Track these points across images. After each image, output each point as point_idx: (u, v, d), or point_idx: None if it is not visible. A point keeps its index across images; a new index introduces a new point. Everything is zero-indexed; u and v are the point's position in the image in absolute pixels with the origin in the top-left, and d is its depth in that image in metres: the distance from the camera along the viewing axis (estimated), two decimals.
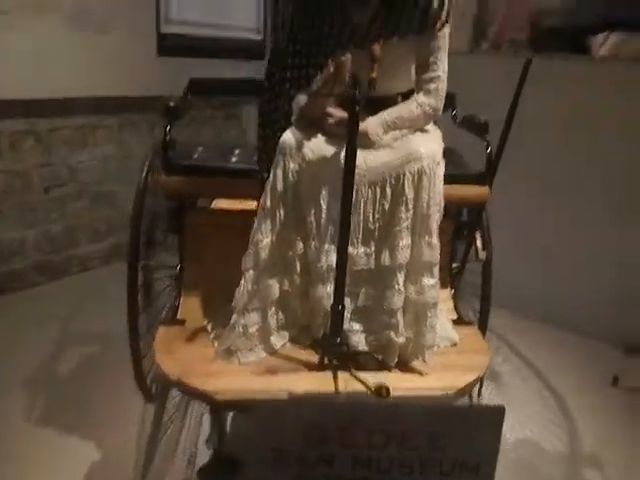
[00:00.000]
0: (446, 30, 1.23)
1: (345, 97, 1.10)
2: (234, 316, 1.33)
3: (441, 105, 1.29)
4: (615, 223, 2.44)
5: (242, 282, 1.32)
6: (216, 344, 1.36)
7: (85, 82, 2.78)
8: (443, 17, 1.20)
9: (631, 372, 2.21)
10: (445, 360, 1.30)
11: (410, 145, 1.21)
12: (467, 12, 2.82)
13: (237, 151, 1.60)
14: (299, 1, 1.30)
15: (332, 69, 1.16)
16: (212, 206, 1.74)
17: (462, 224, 1.60)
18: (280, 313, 1.35)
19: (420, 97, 1.26)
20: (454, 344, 1.39)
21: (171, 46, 3.12)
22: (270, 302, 1.32)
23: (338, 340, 1.21)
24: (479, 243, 1.54)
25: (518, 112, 1.42)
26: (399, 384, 1.21)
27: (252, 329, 1.31)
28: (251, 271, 1.31)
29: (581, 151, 2.48)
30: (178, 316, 1.49)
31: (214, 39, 3.30)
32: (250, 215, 1.34)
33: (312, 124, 1.30)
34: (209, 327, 1.44)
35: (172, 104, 1.46)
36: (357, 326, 1.30)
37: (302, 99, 1.30)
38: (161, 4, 3.01)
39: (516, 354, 2.42)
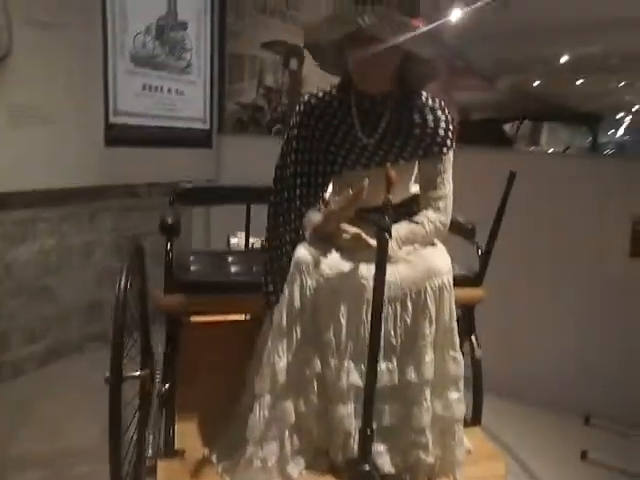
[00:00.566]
0: (451, 153, 1.32)
1: (377, 224, 1.12)
2: (250, 448, 1.24)
3: (449, 220, 1.35)
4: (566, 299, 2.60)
5: (257, 408, 1.25)
6: (227, 479, 1.25)
7: (26, 175, 2.62)
8: (449, 143, 1.29)
9: (597, 445, 2.31)
10: (467, 474, 1.28)
11: (428, 260, 1.25)
12: None
13: (230, 259, 1.56)
14: (306, 122, 1.34)
15: (352, 193, 1.19)
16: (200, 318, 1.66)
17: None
18: (295, 437, 1.28)
19: (430, 214, 1.32)
20: (468, 451, 1.38)
21: (118, 136, 3.06)
22: (288, 428, 1.25)
23: (367, 467, 1.16)
24: (474, 341, 1.59)
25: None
26: None
27: (271, 461, 1.23)
28: (267, 395, 1.25)
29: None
30: (176, 446, 1.36)
31: (162, 128, 3.30)
32: (244, 325, 1.30)
33: (324, 240, 1.30)
34: (214, 458, 1.33)
35: (170, 221, 1.40)
36: (382, 447, 1.26)
37: (315, 217, 1.31)
38: (109, 95, 2.98)
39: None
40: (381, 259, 1.10)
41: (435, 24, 1.21)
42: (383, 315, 1.25)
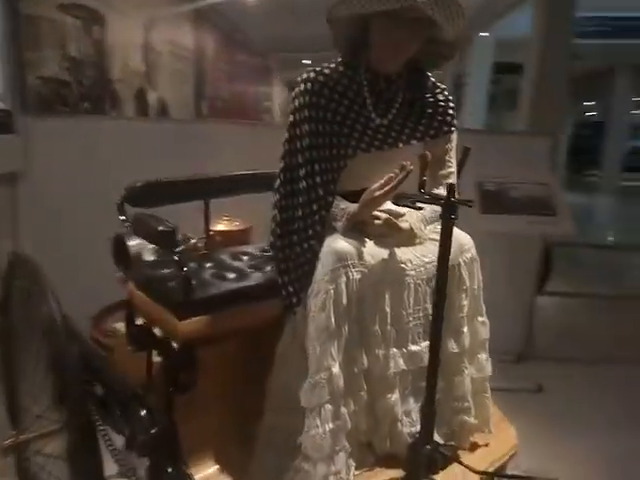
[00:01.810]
0: (456, 132, 1.36)
1: (444, 205, 1.10)
2: (320, 468, 1.12)
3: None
4: None
5: (317, 422, 1.13)
6: None
7: None
8: (455, 122, 1.34)
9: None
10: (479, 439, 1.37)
11: (457, 237, 1.29)
12: None
13: (203, 262, 1.32)
14: (315, 102, 1.22)
15: (398, 176, 1.14)
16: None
17: None
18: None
19: (442, 191, 1.35)
20: None
21: None
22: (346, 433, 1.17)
23: (429, 447, 1.18)
24: None
25: None
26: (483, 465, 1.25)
27: (344, 474, 1.14)
28: (328, 405, 1.14)
29: None
30: None
31: None
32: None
33: (353, 229, 1.23)
34: None
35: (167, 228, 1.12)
36: None
37: (350, 205, 1.22)
38: None
39: None
40: (446, 238, 1.10)
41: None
42: (421, 295, 1.26)
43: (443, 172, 1.36)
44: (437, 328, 1.15)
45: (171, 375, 1.18)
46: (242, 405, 1.33)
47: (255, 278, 1.35)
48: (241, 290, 1.28)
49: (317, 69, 1.25)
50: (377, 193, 1.17)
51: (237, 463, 1.27)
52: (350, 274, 1.15)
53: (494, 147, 2.84)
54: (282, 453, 1.22)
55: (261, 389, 1.28)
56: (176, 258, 1.16)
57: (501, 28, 9.98)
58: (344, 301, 1.15)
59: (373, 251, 1.21)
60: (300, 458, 1.18)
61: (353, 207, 1.22)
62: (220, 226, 1.83)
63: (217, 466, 1.27)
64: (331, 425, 1.13)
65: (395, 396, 1.23)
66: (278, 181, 1.27)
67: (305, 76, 1.24)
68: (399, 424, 1.25)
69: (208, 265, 1.38)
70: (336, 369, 1.14)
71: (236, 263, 1.43)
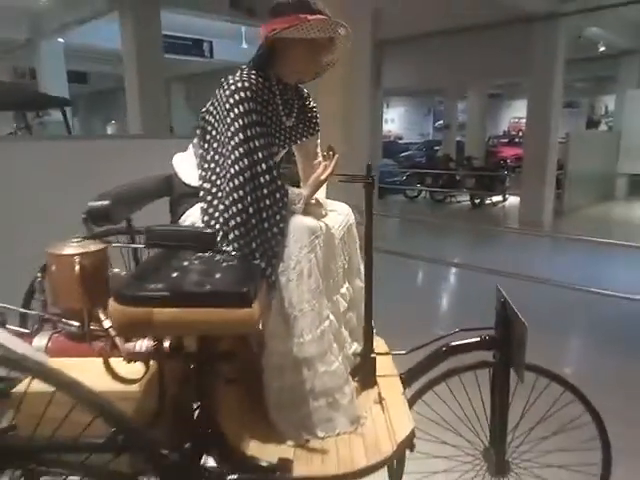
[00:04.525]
0: None
1: (366, 183, 1.55)
2: (346, 390, 1.44)
3: None
4: None
5: (331, 359, 1.45)
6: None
7: None
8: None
9: None
10: None
11: (341, 207, 1.73)
12: None
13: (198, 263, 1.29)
14: (256, 109, 1.44)
15: (334, 161, 1.53)
16: None
17: None
18: None
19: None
20: None
21: None
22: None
23: (372, 355, 1.67)
24: None
25: None
26: None
27: (354, 398, 1.50)
28: (334, 344, 1.46)
29: None
30: None
31: None
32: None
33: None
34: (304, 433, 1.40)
35: None
36: (355, 344, 1.72)
37: (302, 190, 1.50)
38: None
39: None
40: (369, 207, 1.57)
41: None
42: (338, 251, 1.68)
43: (315, 162, 1.78)
44: (369, 272, 1.62)
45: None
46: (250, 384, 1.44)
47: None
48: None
49: (244, 78, 1.45)
50: (322, 177, 1.53)
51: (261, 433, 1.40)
52: (320, 243, 1.48)
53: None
54: (294, 406, 1.44)
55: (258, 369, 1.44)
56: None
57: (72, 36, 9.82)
58: (321, 265, 1.48)
59: (323, 223, 1.56)
60: (311, 401, 1.44)
61: (305, 191, 1.53)
62: (69, 249, 1.60)
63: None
64: (340, 358, 1.46)
65: (344, 328, 1.64)
66: (239, 180, 1.41)
67: (240, 85, 1.43)
68: (347, 347, 1.67)
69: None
70: (331, 318, 1.47)
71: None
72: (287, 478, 1.26)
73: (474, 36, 10.37)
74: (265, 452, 1.33)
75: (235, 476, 1.28)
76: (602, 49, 11.18)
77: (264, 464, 1.28)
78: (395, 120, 26.42)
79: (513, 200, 10.35)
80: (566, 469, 1.74)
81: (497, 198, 11.12)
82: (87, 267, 1.49)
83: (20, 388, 1.26)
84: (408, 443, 1.40)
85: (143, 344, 1.50)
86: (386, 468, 1.74)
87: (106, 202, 1.32)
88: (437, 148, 17.53)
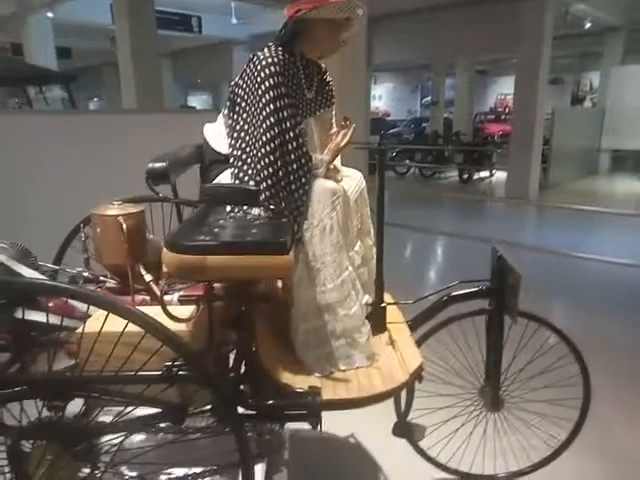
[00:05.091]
0: None
1: (379, 150, 1.75)
2: (363, 330, 1.66)
3: None
4: None
5: (350, 304, 1.66)
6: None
7: None
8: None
9: None
10: None
11: (354, 173, 1.92)
12: None
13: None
14: (284, 82, 1.61)
15: (348, 134, 1.72)
16: None
17: None
18: None
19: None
20: None
21: None
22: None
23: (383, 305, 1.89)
24: None
25: None
26: None
27: (371, 337, 1.72)
28: (352, 292, 1.67)
29: None
30: None
31: None
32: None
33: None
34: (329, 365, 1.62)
35: None
36: (367, 296, 1.93)
37: (323, 157, 1.69)
38: None
39: None
40: (381, 172, 1.77)
41: None
42: (353, 212, 1.87)
43: (331, 132, 1.97)
44: (380, 228, 1.83)
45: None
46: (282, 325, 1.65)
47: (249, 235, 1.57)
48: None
49: (273, 54, 1.61)
50: (341, 144, 1.72)
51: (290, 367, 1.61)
52: (340, 203, 1.68)
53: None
54: (319, 345, 1.66)
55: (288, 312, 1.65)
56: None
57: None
58: (340, 223, 1.67)
59: (340, 185, 1.75)
60: (333, 341, 1.66)
61: (326, 157, 1.71)
62: (112, 211, 1.78)
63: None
64: (358, 304, 1.67)
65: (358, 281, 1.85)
66: (270, 147, 1.59)
67: (270, 60, 1.60)
68: (360, 297, 1.87)
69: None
70: (350, 269, 1.67)
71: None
72: (318, 401, 1.47)
73: (461, 12, 10.48)
74: (296, 382, 1.54)
75: (273, 401, 1.50)
76: (588, 25, 11.35)
77: (297, 390, 1.49)
78: (383, 97, 26.42)
79: (500, 175, 10.61)
80: (551, 403, 1.99)
81: (484, 173, 11.38)
82: (130, 227, 1.67)
83: (82, 330, 1.45)
84: (418, 373, 1.62)
85: (175, 296, 1.71)
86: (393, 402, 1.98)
87: (164, 163, 1.49)
88: (425, 125, 17.69)
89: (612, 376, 2.96)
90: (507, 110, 20.15)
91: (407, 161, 12.62)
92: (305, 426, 1.55)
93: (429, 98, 19.47)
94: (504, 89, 22.62)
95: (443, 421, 2.02)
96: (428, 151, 12.33)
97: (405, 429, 1.88)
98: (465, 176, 11.31)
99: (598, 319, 3.91)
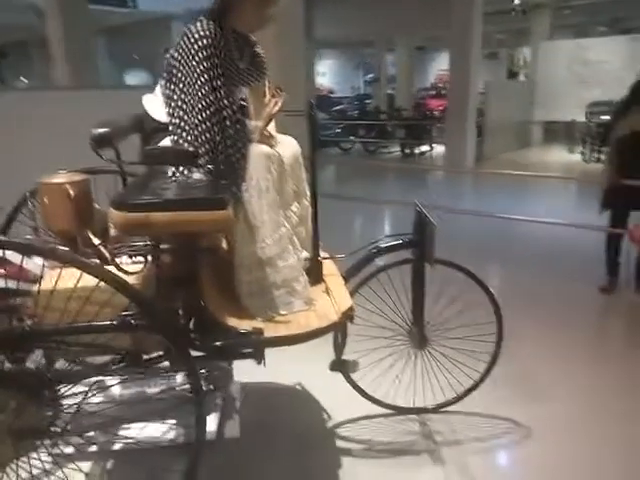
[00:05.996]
0: None
1: (309, 115, 1.91)
2: (300, 279, 1.86)
3: None
4: None
5: (287, 257, 1.84)
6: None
7: None
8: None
9: None
10: None
11: (288, 140, 2.08)
12: None
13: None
14: (216, 53, 1.74)
15: (279, 102, 1.87)
16: None
17: None
18: None
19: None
20: None
21: None
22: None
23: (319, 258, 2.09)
24: None
25: None
26: None
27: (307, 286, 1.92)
28: (289, 246, 1.85)
29: None
30: None
31: None
32: None
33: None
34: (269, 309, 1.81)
35: None
36: (305, 252, 2.11)
37: (257, 123, 1.84)
38: None
39: None
40: (313, 135, 1.94)
41: None
42: (288, 175, 2.03)
43: (265, 100, 2.11)
44: (314, 190, 2.01)
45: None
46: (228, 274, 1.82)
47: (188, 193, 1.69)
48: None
49: (204, 27, 1.73)
50: (273, 111, 1.87)
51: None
52: (274, 166, 1.84)
53: None
54: (261, 294, 1.83)
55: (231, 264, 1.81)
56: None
57: None
58: (276, 184, 1.84)
59: (273, 150, 1.91)
60: (274, 290, 1.84)
61: (260, 123, 1.87)
62: (59, 179, 1.86)
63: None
64: (296, 257, 1.86)
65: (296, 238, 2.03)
66: (206, 114, 1.73)
67: (202, 33, 1.72)
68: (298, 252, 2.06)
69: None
70: (287, 224, 1.85)
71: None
72: (260, 339, 1.66)
73: None
74: (242, 324, 1.72)
75: (220, 342, 1.67)
76: (517, 2, 11.84)
77: (242, 331, 1.67)
78: (326, 74, 26.46)
79: (440, 149, 11.04)
80: (469, 340, 2.25)
81: (426, 147, 11.78)
82: (76, 194, 1.78)
83: (39, 287, 1.56)
84: (349, 313, 1.83)
85: (123, 258, 1.84)
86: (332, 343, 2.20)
87: (108, 129, 1.60)
88: (368, 101, 17.95)
89: (524, 316, 3.33)
90: (446, 86, 20.67)
91: (351, 137, 12.84)
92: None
93: (372, 75, 19.71)
94: (443, 65, 23.15)
95: (379, 360, 2.26)
96: (371, 127, 12.60)
97: (340, 364, 2.11)
98: (407, 150, 11.68)
99: (520, 271, 4.33)
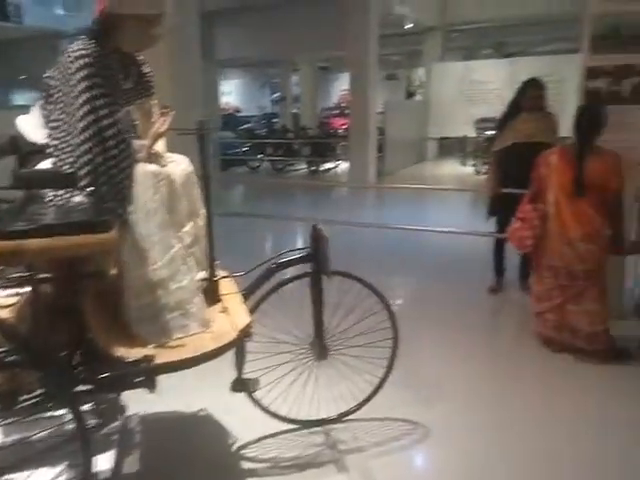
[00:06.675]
0: None
1: (198, 134, 1.90)
2: (195, 300, 1.83)
3: None
4: None
5: (180, 278, 1.81)
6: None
7: None
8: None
9: None
10: None
11: (180, 158, 2.04)
12: None
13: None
14: (101, 73, 1.70)
15: (166, 120, 1.84)
16: None
17: None
18: None
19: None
20: None
21: None
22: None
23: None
24: None
25: None
26: None
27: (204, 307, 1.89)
28: (183, 266, 1.83)
29: None
30: None
31: None
32: None
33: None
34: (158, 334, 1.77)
35: None
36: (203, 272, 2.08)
37: (143, 142, 1.80)
38: None
39: None
40: (204, 154, 1.93)
41: None
42: (180, 194, 2.00)
43: (153, 119, 2.07)
44: (209, 208, 1.99)
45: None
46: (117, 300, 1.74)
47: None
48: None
49: (83, 47, 1.68)
50: (160, 130, 1.85)
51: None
52: (162, 186, 1.81)
53: None
54: (153, 319, 1.78)
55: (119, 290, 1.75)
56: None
57: None
58: (165, 204, 1.81)
59: (161, 169, 1.87)
60: (166, 313, 1.79)
61: (146, 142, 1.83)
62: None
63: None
64: (189, 278, 1.83)
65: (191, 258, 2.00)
66: (86, 135, 1.66)
67: (82, 52, 1.67)
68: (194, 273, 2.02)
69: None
70: (179, 245, 1.82)
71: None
72: (151, 366, 1.61)
73: (296, 9, 10.97)
74: (132, 353, 1.66)
75: (106, 374, 1.60)
76: (409, 25, 12.60)
77: (130, 360, 1.61)
78: (232, 93, 26.40)
79: (344, 166, 11.39)
80: (365, 347, 2.32)
81: (331, 165, 12.10)
82: None
83: None
84: (247, 331, 1.83)
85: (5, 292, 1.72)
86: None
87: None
88: (275, 120, 18.13)
89: (422, 320, 3.52)
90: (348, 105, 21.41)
91: (260, 155, 12.87)
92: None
93: (278, 94, 19.94)
94: (346, 85, 24.00)
95: (282, 376, 2.26)
96: (278, 145, 12.72)
97: (241, 384, 2.09)
98: (313, 168, 11.92)
99: (418, 278, 4.59)
